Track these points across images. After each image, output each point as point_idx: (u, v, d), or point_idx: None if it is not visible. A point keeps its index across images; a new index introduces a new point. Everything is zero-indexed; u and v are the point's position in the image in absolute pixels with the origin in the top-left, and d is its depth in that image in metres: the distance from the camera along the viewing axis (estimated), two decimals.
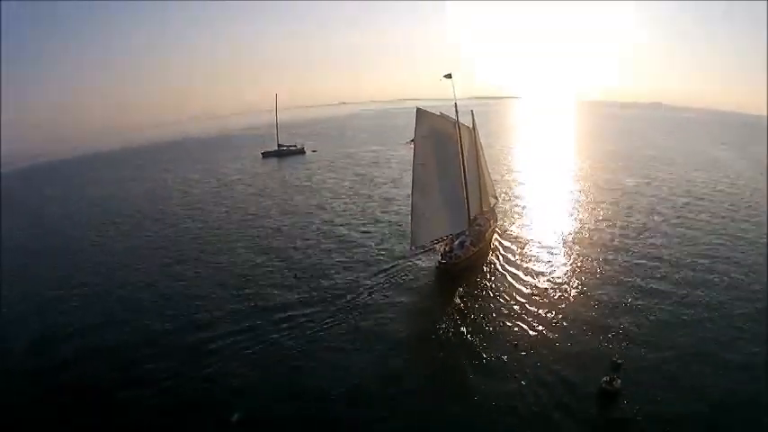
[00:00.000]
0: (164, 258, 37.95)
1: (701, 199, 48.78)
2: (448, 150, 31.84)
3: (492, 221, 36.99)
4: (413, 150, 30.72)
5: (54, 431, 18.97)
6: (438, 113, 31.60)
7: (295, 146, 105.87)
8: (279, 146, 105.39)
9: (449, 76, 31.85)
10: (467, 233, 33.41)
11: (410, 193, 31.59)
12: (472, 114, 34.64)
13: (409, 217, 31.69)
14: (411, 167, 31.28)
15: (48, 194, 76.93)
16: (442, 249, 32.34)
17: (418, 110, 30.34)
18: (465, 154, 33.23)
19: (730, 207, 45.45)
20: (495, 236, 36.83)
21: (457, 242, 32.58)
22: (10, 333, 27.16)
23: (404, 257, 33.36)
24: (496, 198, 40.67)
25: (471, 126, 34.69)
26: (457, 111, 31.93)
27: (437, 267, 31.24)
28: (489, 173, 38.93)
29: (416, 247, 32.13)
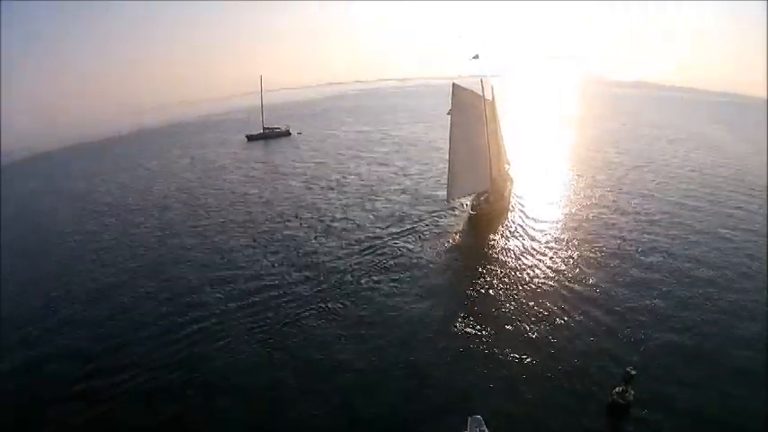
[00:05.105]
0: (153, 248, 41.75)
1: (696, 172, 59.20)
2: (475, 120, 42.52)
3: (509, 183, 48.28)
4: (450, 119, 41.32)
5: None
6: (467, 88, 42.21)
7: (280, 128, 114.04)
8: (264, 128, 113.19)
9: (476, 57, 42.49)
10: (489, 191, 44.41)
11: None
12: (492, 90, 45.48)
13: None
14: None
15: (30, 190, 78.74)
16: (471, 203, 43.60)
17: (454, 85, 41.02)
18: (487, 123, 44.07)
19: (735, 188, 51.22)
20: (513, 195, 48.17)
21: (483, 198, 43.68)
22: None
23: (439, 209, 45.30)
24: (509, 164, 51.88)
25: (492, 99, 45.55)
26: (483, 86, 42.74)
27: (469, 216, 42.46)
28: (504, 141, 50.10)
29: (451, 200, 43.36)
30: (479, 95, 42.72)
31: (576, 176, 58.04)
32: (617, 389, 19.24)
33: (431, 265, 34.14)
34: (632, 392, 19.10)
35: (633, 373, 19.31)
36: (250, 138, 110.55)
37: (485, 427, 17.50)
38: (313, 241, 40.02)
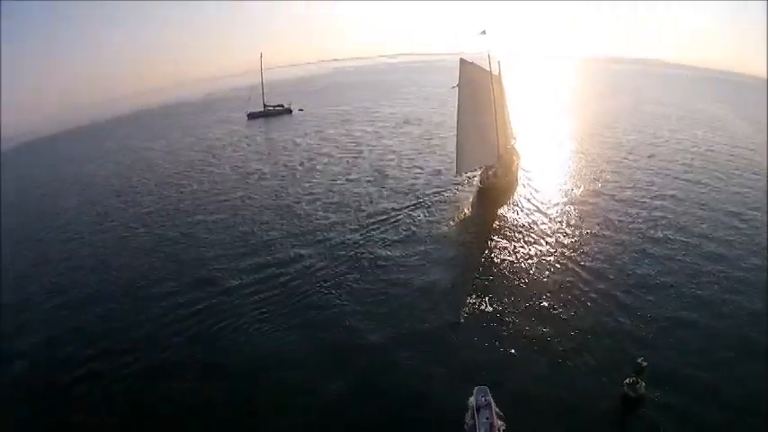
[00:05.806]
0: (158, 228, 41.77)
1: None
2: (482, 95, 42.16)
3: (516, 157, 48.36)
4: (457, 93, 41.16)
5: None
6: (474, 63, 41.89)
7: (281, 105, 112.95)
8: (265, 106, 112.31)
9: (483, 32, 42.09)
10: (497, 165, 44.54)
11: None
12: (499, 65, 45.03)
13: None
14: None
15: (32, 176, 77.97)
16: (479, 177, 43.70)
17: (461, 60, 40.43)
18: (495, 98, 43.93)
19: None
20: (521, 170, 48.15)
21: (491, 172, 43.71)
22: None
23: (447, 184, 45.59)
24: (515, 138, 51.88)
25: (498, 74, 45.25)
26: (490, 61, 42.29)
27: (478, 190, 42.80)
28: (510, 116, 50.01)
29: (459, 174, 43.79)
30: (486, 70, 42.14)
31: (582, 151, 57.51)
32: (627, 380, 18.60)
33: (440, 240, 34.19)
34: (643, 384, 18.43)
35: (644, 364, 18.25)
36: (251, 116, 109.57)
37: (490, 397, 18.13)
38: (320, 216, 40.08)
